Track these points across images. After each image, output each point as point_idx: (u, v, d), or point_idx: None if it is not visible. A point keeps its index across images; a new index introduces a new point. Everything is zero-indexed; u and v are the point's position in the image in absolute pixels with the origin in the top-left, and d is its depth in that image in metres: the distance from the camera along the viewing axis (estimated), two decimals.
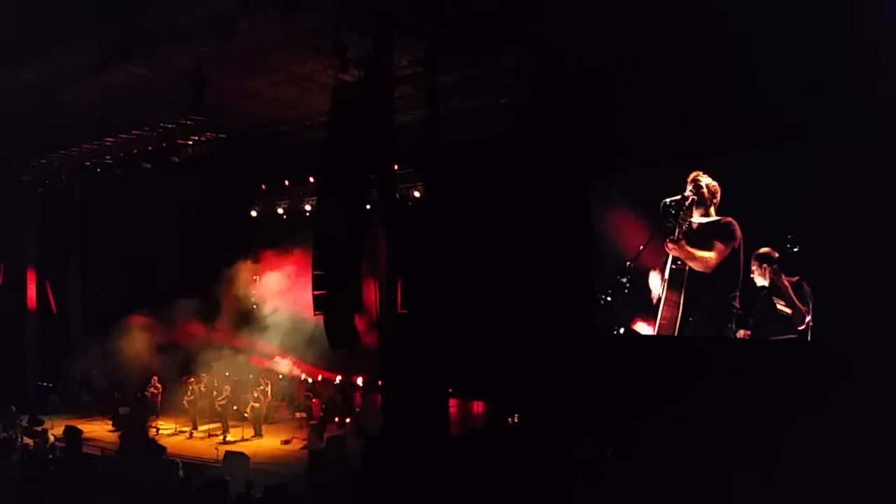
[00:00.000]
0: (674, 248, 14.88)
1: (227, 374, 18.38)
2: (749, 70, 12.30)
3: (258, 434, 16.57)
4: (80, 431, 14.29)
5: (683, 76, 13.13)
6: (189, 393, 17.51)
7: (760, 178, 13.57)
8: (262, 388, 17.27)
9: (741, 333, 13.85)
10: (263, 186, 22.15)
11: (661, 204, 14.89)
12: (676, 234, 14.75)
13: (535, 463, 12.00)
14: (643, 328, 15.35)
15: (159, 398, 18.14)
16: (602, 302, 16.00)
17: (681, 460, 10.85)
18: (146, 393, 18.32)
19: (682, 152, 14.36)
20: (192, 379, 17.72)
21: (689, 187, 14.55)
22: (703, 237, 14.44)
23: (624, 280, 15.73)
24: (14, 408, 16.64)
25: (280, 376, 19.34)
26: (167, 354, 18.29)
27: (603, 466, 11.66)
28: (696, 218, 14.53)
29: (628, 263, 15.63)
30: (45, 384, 20.27)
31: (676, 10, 11.88)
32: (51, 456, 12.50)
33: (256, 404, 16.88)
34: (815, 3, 11.27)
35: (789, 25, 11.65)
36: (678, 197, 14.67)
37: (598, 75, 14.36)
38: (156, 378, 18.24)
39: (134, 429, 12.72)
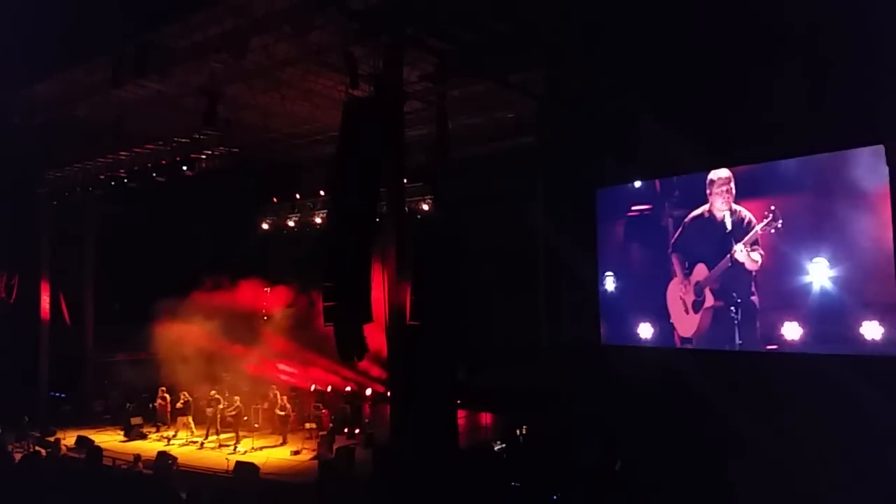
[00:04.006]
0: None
1: (239, 385, 18.53)
2: (756, 83, 12.36)
3: (285, 441, 17.04)
4: (101, 449, 13.89)
5: (691, 89, 13.20)
6: (207, 404, 17.63)
7: None
8: (282, 397, 17.66)
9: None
10: (275, 199, 22.41)
11: None
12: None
13: (545, 474, 12.04)
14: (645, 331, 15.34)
15: (168, 409, 18.30)
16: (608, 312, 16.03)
17: (692, 472, 10.86)
18: (155, 404, 18.52)
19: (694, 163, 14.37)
20: (213, 391, 17.84)
21: None
22: None
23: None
24: (27, 418, 16.83)
25: (291, 388, 19.50)
26: (179, 365, 18.38)
27: (613, 478, 11.65)
28: None
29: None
30: (57, 395, 20.46)
31: (682, 27, 12.05)
32: (73, 468, 12.48)
33: (282, 413, 17.35)
34: None
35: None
36: None
37: (604, 90, 14.49)
38: (163, 389, 18.38)
39: None
